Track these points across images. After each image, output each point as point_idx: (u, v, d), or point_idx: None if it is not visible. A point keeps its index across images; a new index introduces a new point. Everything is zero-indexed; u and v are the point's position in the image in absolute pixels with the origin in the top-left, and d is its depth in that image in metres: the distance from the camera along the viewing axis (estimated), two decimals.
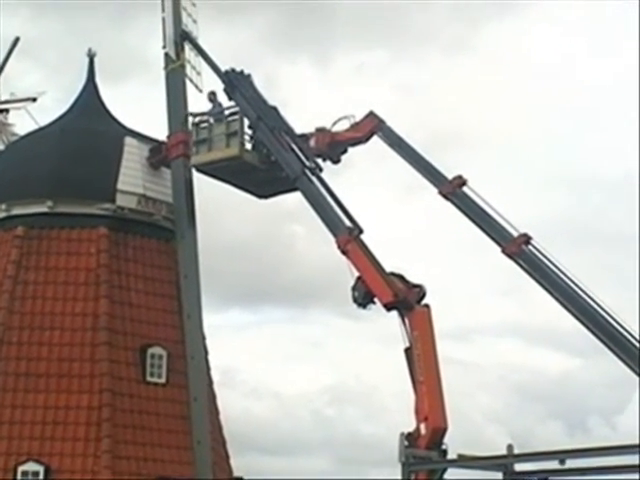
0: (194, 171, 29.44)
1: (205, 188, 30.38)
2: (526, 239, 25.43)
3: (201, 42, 30.47)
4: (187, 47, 30.37)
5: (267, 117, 28.39)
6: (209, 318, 30.02)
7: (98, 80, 32.09)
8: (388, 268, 25.18)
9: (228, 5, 55.51)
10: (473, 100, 56.97)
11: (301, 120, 29.38)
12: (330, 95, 52.53)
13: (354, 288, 25.15)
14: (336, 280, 27.40)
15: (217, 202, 39.09)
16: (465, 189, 26.74)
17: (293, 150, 27.75)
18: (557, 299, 24.63)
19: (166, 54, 30.41)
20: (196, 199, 29.71)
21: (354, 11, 60.36)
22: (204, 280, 29.24)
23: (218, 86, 29.57)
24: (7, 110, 36.06)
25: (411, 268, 26.13)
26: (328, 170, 28.31)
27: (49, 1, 58.43)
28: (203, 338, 29.19)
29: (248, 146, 28.70)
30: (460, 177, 26.94)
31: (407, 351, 24.28)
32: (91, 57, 31.94)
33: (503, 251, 25.61)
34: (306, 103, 49.00)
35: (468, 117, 57.44)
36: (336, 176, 29.01)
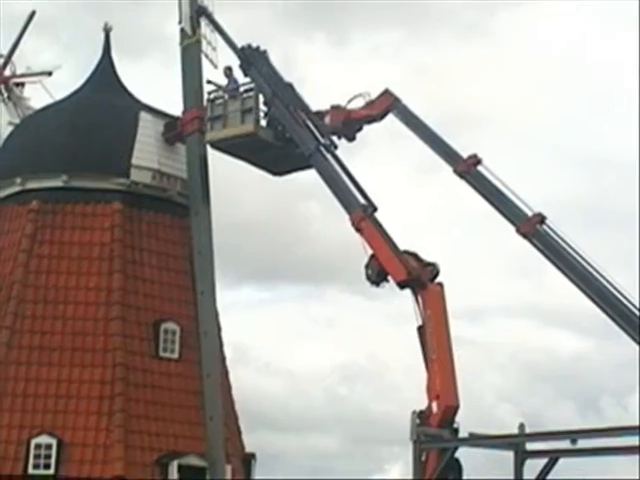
0: (209, 147, 29.43)
1: (220, 164, 30.41)
2: (540, 219, 25.34)
3: (217, 18, 30.39)
4: (203, 23, 30.24)
5: (282, 94, 28.30)
6: (223, 295, 30.09)
7: (115, 56, 32.12)
8: (402, 246, 25.16)
9: None
10: (487, 82, 56.81)
11: (317, 98, 29.35)
12: (346, 74, 52.24)
13: (367, 266, 25.13)
14: (350, 258, 27.37)
15: (232, 179, 39.14)
16: (480, 168, 26.67)
17: (308, 127, 27.67)
18: (571, 279, 24.56)
19: (182, 29, 30.29)
20: (211, 175, 29.68)
21: None
22: (218, 257, 29.28)
23: (234, 62, 29.57)
24: (23, 84, 36.06)
25: (425, 246, 26.08)
26: (343, 148, 28.29)
27: None
28: (216, 314, 29.20)
29: (263, 123, 28.63)
30: (475, 156, 26.86)
31: (420, 329, 24.26)
32: (107, 32, 31.92)
33: (517, 230, 25.53)
34: (322, 81, 48.68)
35: (483, 98, 57.19)
36: (351, 154, 29.00)
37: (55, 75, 36.41)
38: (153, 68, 52.17)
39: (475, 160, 26.73)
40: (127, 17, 53.47)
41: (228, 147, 29.09)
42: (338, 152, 27.60)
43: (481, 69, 56.88)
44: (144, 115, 29.97)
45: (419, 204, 55.08)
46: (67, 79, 35.45)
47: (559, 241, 24.91)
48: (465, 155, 26.93)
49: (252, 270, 53.74)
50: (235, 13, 49.67)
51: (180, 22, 30.38)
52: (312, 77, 51.74)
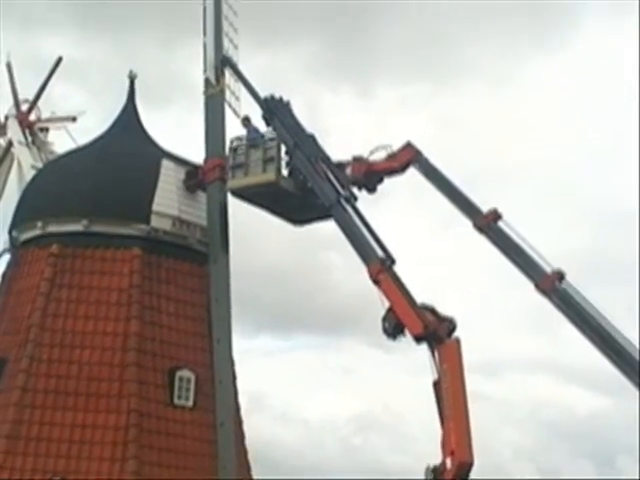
0: (229, 195, 29.55)
1: (240, 212, 30.52)
2: (560, 276, 25.35)
3: (242, 68, 30.61)
4: (227, 72, 30.52)
5: (304, 145, 28.47)
6: (240, 343, 30.04)
7: (139, 103, 32.41)
8: (419, 300, 25.12)
9: (271, 32, 56.18)
10: (512, 135, 56.98)
11: (341, 149, 29.57)
12: (371, 125, 52.63)
13: (384, 319, 25.09)
14: (368, 309, 27.35)
15: (252, 227, 39.27)
16: (500, 223, 26.72)
17: (329, 178, 27.80)
18: (589, 337, 24.49)
19: (206, 79, 30.55)
20: (231, 223, 29.78)
21: (398, 42, 60.86)
22: (236, 305, 29.29)
23: (257, 111, 29.76)
24: (47, 129, 36.36)
25: (442, 300, 26.04)
26: (364, 199, 28.40)
27: (95, 23, 59.42)
28: (232, 363, 29.13)
29: (285, 172, 28.82)
30: (495, 211, 26.96)
31: (436, 384, 24.13)
32: (132, 79, 32.23)
33: (536, 287, 25.52)
34: (346, 132, 49.11)
35: (506, 151, 57.42)
36: (372, 205, 29.11)
37: (79, 120, 36.67)
38: (177, 115, 52.77)
39: (495, 215, 26.83)
40: (153, 64, 54.30)
41: (249, 195, 29.22)
42: (359, 203, 27.70)
43: (506, 122, 57.11)
44: (166, 162, 30.14)
45: (438, 257, 55.15)
46: (91, 125, 35.75)
47: (577, 298, 24.85)
48: (485, 210, 27.01)
49: (270, 318, 53.89)
50: (261, 60, 50.43)
51: (204, 71, 30.65)
52: (337, 128, 52.16)
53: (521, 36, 61.75)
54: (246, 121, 29.70)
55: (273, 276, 51.43)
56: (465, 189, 27.36)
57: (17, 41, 55.39)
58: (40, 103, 36.07)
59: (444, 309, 25.10)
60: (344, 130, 51.41)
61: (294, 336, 64.13)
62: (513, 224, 26.35)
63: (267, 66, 53.02)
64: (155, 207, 29.40)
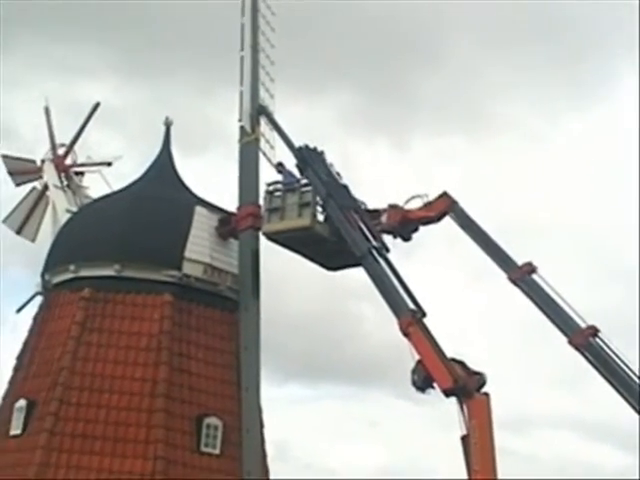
0: (262, 240, 29.61)
1: (272, 260, 30.56)
2: (594, 331, 25.20)
3: (277, 117, 30.81)
4: (262, 121, 30.71)
5: (337, 194, 28.56)
6: (267, 391, 29.96)
7: (175, 149, 32.70)
8: (450, 353, 25.00)
9: (308, 82, 56.63)
10: (545, 190, 56.87)
11: (375, 199, 29.57)
12: (405, 176, 52.69)
13: (414, 371, 24.93)
14: (397, 360, 27.23)
15: (284, 274, 39.27)
16: (534, 276, 26.63)
17: (361, 228, 27.82)
18: (622, 394, 24.23)
19: (241, 127, 30.74)
20: (262, 270, 29.80)
21: (434, 95, 61.16)
22: (265, 352, 29.22)
23: (291, 159, 29.95)
24: (83, 173, 36.58)
25: (473, 354, 25.91)
26: (398, 249, 28.38)
27: (134, 70, 60.13)
28: (260, 411, 29.04)
29: (320, 217, 28.90)
30: (530, 264, 26.90)
31: (464, 439, 23.93)
32: (167, 125, 32.56)
33: (570, 342, 25.36)
34: (381, 183, 49.14)
35: (539, 207, 57.25)
36: (405, 256, 29.09)
37: (115, 165, 36.88)
38: (211, 163, 52.99)
39: (530, 268, 26.78)
40: (189, 111, 54.72)
41: (284, 240, 29.28)
42: (393, 252, 27.71)
43: (540, 176, 57.04)
44: (199, 209, 30.27)
45: (470, 310, 54.86)
46: (127, 170, 36.00)
47: (611, 355, 24.66)
48: (520, 262, 26.94)
49: (298, 367, 53.62)
50: (296, 110, 50.76)
51: (240, 120, 30.84)
52: (371, 178, 52.19)
53: (556, 91, 61.86)
54: (280, 167, 29.87)
55: (303, 324, 51.31)
56: (498, 241, 27.30)
57: (56, 86, 56.31)
58: (76, 147, 36.33)
59: (474, 363, 24.97)
60: (378, 181, 51.47)
61: (322, 385, 63.76)
62: (547, 277, 26.30)
63: (302, 115, 53.33)
64: (187, 253, 29.47)
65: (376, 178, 52.35)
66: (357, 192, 29.38)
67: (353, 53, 58.82)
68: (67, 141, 36.31)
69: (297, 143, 30.02)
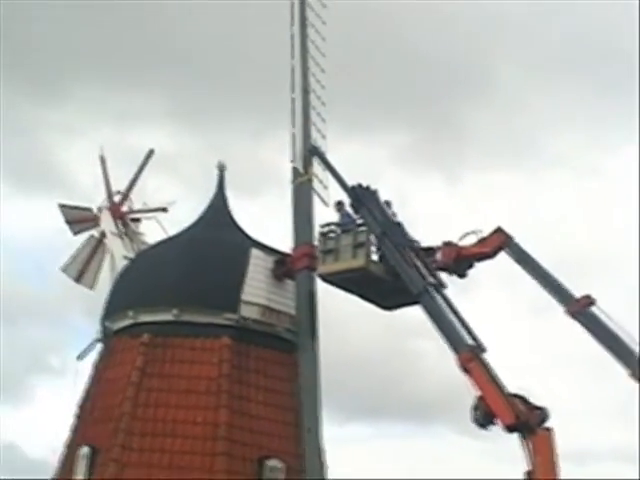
0: (318, 281, 29.62)
1: (329, 299, 30.53)
2: None
3: (330, 156, 30.87)
4: (315, 161, 30.83)
5: (392, 232, 28.52)
6: (329, 431, 29.79)
7: (229, 192, 32.90)
8: (510, 388, 24.75)
9: (360, 121, 56.89)
10: (598, 226, 56.44)
11: (429, 235, 29.51)
12: (459, 212, 52.56)
13: (475, 408, 24.69)
14: (458, 397, 27.02)
15: (341, 314, 39.23)
16: (593, 309, 26.38)
17: (416, 266, 27.74)
18: None
19: (294, 168, 30.86)
20: (319, 311, 29.81)
21: (485, 130, 61.14)
22: (326, 392, 29.14)
23: (345, 199, 29.97)
24: (139, 219, 36.97)
25: (534, 389, 25.61)
26: (455, 285, 28.27)
27: (187, 117, 60.84)
28: (322, 452, 28.88)
29: (375, 257, 28.86)
30: (588, 296, 26.65)
31: (528, 474, 23.67)
32: (221, 169, 32.79)
33: (631, 375, 25.01)
34: (434, 218, 49.05)
35: (592, 242, 56.82)
36: (463, 291, 28.94)
37: (170, 211, 37.23)
38: (265, 204, 53.23)
39: (588, 300, 26.53)
40: (242, 154, 55.12)
41: (339, 280, 29.24)
42: (449, 289, 27.61)
43: (594, 212, 56.68)
44: (255, 251, 30.38)
45: (529, 344, 54.37)
46: (182, 214, 36.29)
47: None
48: (578, 295, 26.73)
49: (359, 406, 53.43)
50: (349, 149, 50.95)
51: (292, 161, 30.97)
52: (424, 214, 52.13)
53: (610, 122, 61.48)
54: (339, 206, 29.90)
55: (363, 363, 51.19)
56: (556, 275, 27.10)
57: (111, 134, 57.07)
58: (132, 194, 36.78)
59: (536, 398, 24.69)
60: (432, 217, 51.41)
61: (383, 424, 63.46)
62: (606, 310, 26.04)
63: (355, 154, 53.55)
64: (244, 296, 29.58)
65: (430, 214, 52.32)
66: (411, 229, 29.37)
67: (403, 90, 59.13)
68: (123, 188, 36.77)
69: (350, 182, 30.06)
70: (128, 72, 61.77)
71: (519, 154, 61.33)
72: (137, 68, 60.39)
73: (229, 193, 32.84)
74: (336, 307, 33.60)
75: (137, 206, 36.89)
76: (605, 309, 26.13)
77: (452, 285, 28.27)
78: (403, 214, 29.94)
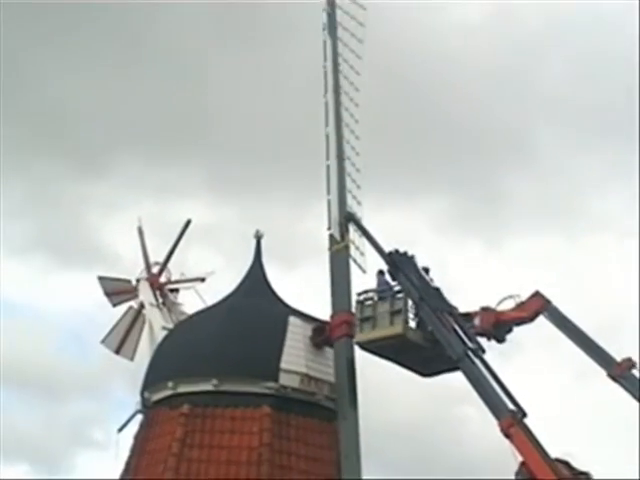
0: (357, 349, 29.52)
1: (371, 366, 30.37)
2: None
3: (367, 224, 30.92)
4: (351, 228, 30.89)
5: (430, 298, 28.47)
6: None
7: (266, 261, 32.98)
8: (554, 454, 24.49)
9: (398, 188, 57.08)
10: None
11: (469, 302, 29.40)
12: (498, 278, 52.32)
13: (517, 473, 24.48)
14: (503, 463, 26.76)
15: (384, 380, 38.98)
16: (635, 372, 26.16)
17: (455, 331, 27.63)
18: None
19: (331, 235, 30.92)
20: (361, 378, 29.65)
21: (525, 194, 61.07)
22: (369, 460, 28.89)
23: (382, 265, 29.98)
24: (177, 290, 37.17)
25: (578, 454, 25.34)
26: (495, 351, 28.09)
27: (224, 187, 61.42)
28: None
29: (412, 324, 28.76)
30: (630, 359, 26.51)
31: None
32: (258, 238, 32.93)
33: None
34: (474, 285, 48.85)
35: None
36: (502, 356, 28.77)
37: (208, 281, 37.41)
38: (304, 274, 53.31)
39: (630, 363, 26.40)
40: (279, 224, 55.36)
41: (377, 348, 29.16)
42: (492, 354, 27.46)
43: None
44: (293, 320, 30.36)
45: (572, 409, 53.76)
46: (220, 284, 36.42)
47: None
48: (619, 358, 26.52)
49: (403, 474, 52.93)
50: (387, 217, 51.05)
51: (329, 228, 31.06)
52: (463, 280, 51.97)
53: None
54: (380, 274, 29.88)
55: (406, 431, 50.86)
56: (596, 339, 26.92)
57: (151, 207, 57.61)
58: (171, 265, 37.06)
59: (579, 464, 24.43)
60: (472, 283, 51.25)
61: None
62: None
63: (394, 221, 53.71)
64: (283, 364, 29.49)
65: (469, 280, 52.17)
66: (451, 295, 29.34)
67: (441, 155, 59.30)
68: (161, 259, 37.03)
69: (388, 248, 30.07)
70: (167, 146, 62.68)
71: (559, 218, 61.14)
72: (176, 142, 61.16)
73: (269, 263, 32.99)
74: (378, 374, 33.43)
75: (175, 277, 37.13)
76: None
77: (493, 350, 28.15)
78: (442, 280, 29.94)
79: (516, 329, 28.79)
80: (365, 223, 30.93)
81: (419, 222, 61.86)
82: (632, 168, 59.33)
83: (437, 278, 29.76)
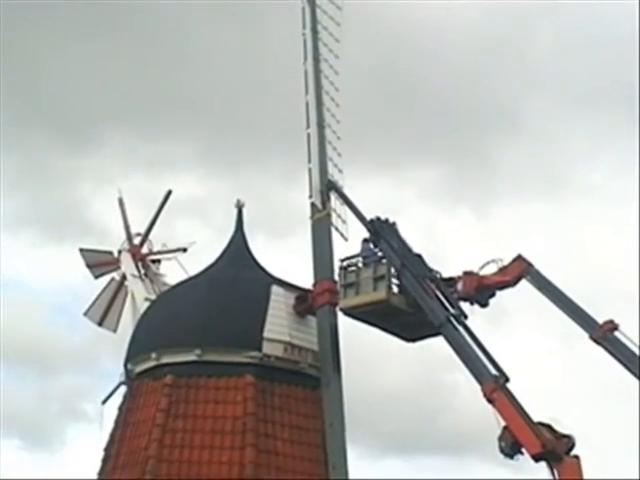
0: (340, 315, 29.49)
1: (363, 335, 30.32)
2: None
3: (354, 193, 30.86)
4: (333, 197, 30.81)
5: (412, 264, 28.43)
6: (365, 467, 29.48)
7: (247, 231, 32.81)
8: (536, 417, 24.51)
9: (388, 160, 57.14)
10: (632, 255, 55.94)
11: (459, 270, 29.23)
12: (489, 246, 52.34)
13: (500, 438, 24.54)
14: (492, 429, 26.86)
15: (375, 348, 39.02)
16: (617, 334, 26.16)
17: (438, 297, 27.61)
18: None
19: (312, 204, 30.86)
20: (347, 346, 29.62)
21: (515, 165, 61.21)
22: (360, 428, 28.92)
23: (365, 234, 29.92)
24: (159, 260, 37.06)
25: (560, 417, 25.37)
26: (485, 315, 28.06)
27: (218, 161, 61.42)
28: None
29: (395, 289, 28.72)
30: (611, 321, 26.46)
31: None
32: (239, 208, 32.79)
33: None
34: (463, 253, 48.85)
35: (626, 272, 56.34)
36: (493, 324, 28.76)
37: (194, 251, 37.31)
38: (292, 243, 53.27)
39: (612, 325, 26.36)
40: (273, 196, 55.34)
41: (360, 314, 29.17)
42: (478, 320, 27.48)
43: (625, 242, 56.27)
44: (276, 289, 30.28)
45: (554, 373, 53.96)
46: (206, 255, 36.29)
47: None
48: (601, 321, 26.52)
49: (394, 441, 53.16)
50: (378, 185, 51.03)
51: (310, 197, 30.96)
52: (453, 248, 52.03)
53: (637, 152, 61.20)
54: (365, 242, 29.83)
55: (396, 398, 51.02)
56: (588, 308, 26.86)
57: (143, 181, 57.60)
58: (159, 238, 37.00)
59: (562, 427, 24.45)
60: (460, 251, 51.26)
61: (418, 458, 63.05)
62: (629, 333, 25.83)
63: (384, 190, 53.75)
64: (266, 333, 29.43)
65: (459, 248, 52.19)
66: (440, 263, 29.32)
67: (431, 125, 59.27)
68: (141, 230, 36.87)
69: (374, 216, 29.97)
70: (157, 119, 62.86)
71: (548, 185, 61.21)
72: (166, 115, 61.29)
73: (258, 235, 32.93)
74: (366, 343, 33.40)
75: (156, 248, 37.03)
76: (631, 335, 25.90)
77: (482, 315, 28.14)
78: (432, 248, 29.84)
79: (504, 295, 28.73)
80: (353, 193, 30.91)
81: (408, 191, 61.89)
82: (616, 136, 59.53)
83: (427, 246, 29.73)
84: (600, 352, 26.47)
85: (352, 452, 28.60)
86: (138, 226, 37.56)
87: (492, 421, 25.09)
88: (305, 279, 30.89)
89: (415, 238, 29.98)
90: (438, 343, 29.04)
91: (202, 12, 59.63)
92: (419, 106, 59.53)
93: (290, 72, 33.66)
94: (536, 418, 24.63)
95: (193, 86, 60.17)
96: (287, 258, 42.63)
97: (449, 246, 53.12)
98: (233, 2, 53.85)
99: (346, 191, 30.87)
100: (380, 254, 29.32)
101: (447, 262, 29.71)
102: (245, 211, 32.87)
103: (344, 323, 29.71)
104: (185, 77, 60.50)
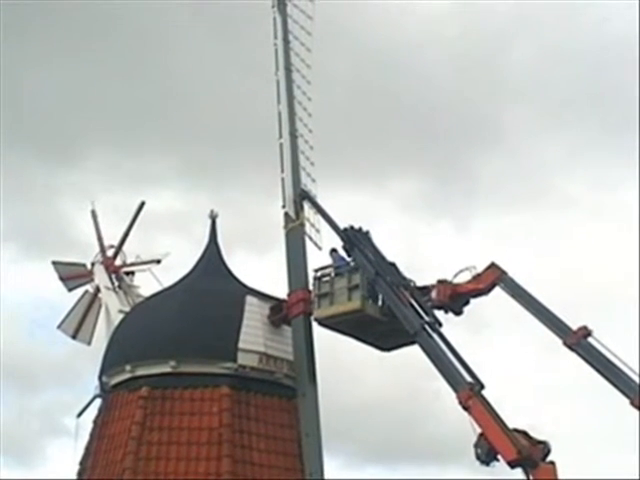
0: (315, 325, 29.48)
1: (342, 344, 30.30)
2: None
3: (331, 204, 30.90)
4: (306, 206, 30.82)
5: (385, 273, 28.47)
6: (346, 475, 29.41)
7: (221, 242, 32.76)
8: (511, 424, 24.57)
9: (370, 172, 57.40)
10: (612, 265, 56.25)
11: (432, 276, 29.37)
12: (470, 258, 52.49)
13: (476, 445, 24.58)
14: (473, 436, 26.97)
15: (354, 357, 39.03)
16: (590, 340, 26.23)
17: (412, 305, 27.65)
18: None
19: (286, 213, 30.89)
20: (324, 356, 29.70)
21: (496, 177, 61.62)
22: (341, 437, 28.96)
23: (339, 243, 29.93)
24: (133, 272, 36.97)
25: (535, 424, 25.48)
26: (462, 326, 28.07)
27: (198, 175, 61.54)
28: None
29: (370, 299, 28.73)
30: (585, 327, 26.45)
31: None
32: (213, 218, 32.78)
33: (631, 403, 24.82)
34: (446, 266, 49.00)
35: (607, 281, 56.58)
36: (472, 333, 28.82)
37: (169, 263, 37.27)
38: (265, 255, 53.29)
39: (585, 332, 26.34)
40: (234, 204, 55.31)
41: (335, 324, 29.18)
42: (458, 329, 27.52)
43: (607, 251, 56.63)
44: (250, 299, 30.25)
45: (529, 380, 54.17)
46: (176, 266, 36.27)
47: None
48: (575, 327, 26.59)
49: (374, 451, 53.19)
50: (358, 197, 51.12)
51: (284, 206, 30.98)
52: (435, 261, 52.15)
53: (618, 164, 61.66)
54: (334, 252, 29.86)
55: (377, 407, 51.12)
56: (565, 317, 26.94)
57: (125, 196, 57.53)
58: (124, 248, 36.85)
59: (537, 433, 24.53)
60: (443, 263, 51.45)
61: (400, 467, 63.16)
62: (604, 341, 25.88)
63: (365, 201, 54.01)
64: (241, 344, 29.38)
65: (438, 259, 52.30)
66: (419, 275, 29.32)
67: (411, 137, 59.55)
68: (114, 242, 36.77)
69: (343, 225, 29.99)
70: (138, 134, 63.07)
71: (528, 197, 61.52)
72: (146, 130, 61.47)
73: (221, 242, 32.70)
74: (348, 351, 33.36)
75: (130, 259, 36.99)
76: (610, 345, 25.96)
77: (463, 323, 28.18)
78: (413, 260, 29.87)
79: (484, 303, 28.79)
80: (331, 203, 30.96)
81: (388, 202, 62.14)
82: (594, 148, 59.98)
83: (406, 257, 29.79)
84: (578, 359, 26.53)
85: (332, 461, 28.79)
86: (117, 240, 37.49)
87: (472, 429, 25.16)
88: (284, 291, 30.96)
89: (394, 249, 30.15)
90: (417, 352, 29.23)
91: (181, 28, 60.00)
92: (398, 117, 59.81)
93: (267, 83, 33.71)
94: (514, 425, 24.68)
95: (172, 101, 60.47)
96: (268, 271, 42.65)
97: (429, 257, 53.23)
98: (209, 17, 54.11)
99: (322, 201, 30.93)
100: (352, 263, 29.33)
101: (426, 273, 29.68)
102: (225, 225, 32.99)
103: (323, 332, 29.78)
104: (164, 92, 60.74)
